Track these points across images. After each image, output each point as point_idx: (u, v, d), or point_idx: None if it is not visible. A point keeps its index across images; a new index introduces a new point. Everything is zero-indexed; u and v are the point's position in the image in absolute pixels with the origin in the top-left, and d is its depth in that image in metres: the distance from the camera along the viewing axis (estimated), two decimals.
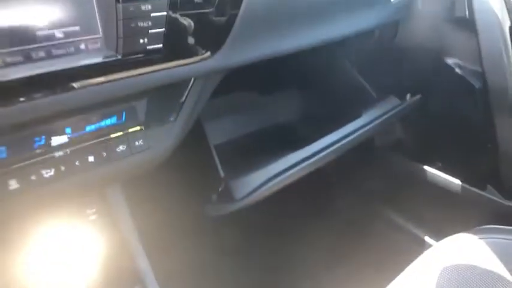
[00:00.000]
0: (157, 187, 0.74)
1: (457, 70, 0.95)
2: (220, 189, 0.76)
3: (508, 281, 0.68)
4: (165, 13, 0.50)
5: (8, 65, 0.44)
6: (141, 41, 0.50)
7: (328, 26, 0.73)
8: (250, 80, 0.87)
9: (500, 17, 0.83)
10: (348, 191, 1.19)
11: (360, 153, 1.04)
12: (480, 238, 0.80)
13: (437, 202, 1.04)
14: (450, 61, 0.96)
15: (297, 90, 1.10)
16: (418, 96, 1.00)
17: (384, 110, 0.97)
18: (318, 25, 0.70)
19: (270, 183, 0.75)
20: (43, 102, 0.46)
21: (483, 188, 0.99)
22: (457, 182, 1.01)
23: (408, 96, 1.01)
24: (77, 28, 0.48)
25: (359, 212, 1.19)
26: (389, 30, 0.97)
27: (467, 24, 0.89)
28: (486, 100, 0.90)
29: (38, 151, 0.50)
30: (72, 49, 0.48)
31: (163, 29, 0.51)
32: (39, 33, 0.45)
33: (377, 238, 1.15)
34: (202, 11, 0.54)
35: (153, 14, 0.49)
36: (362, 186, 1.20)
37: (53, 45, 0.46)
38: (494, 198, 0.97)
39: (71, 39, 0.47)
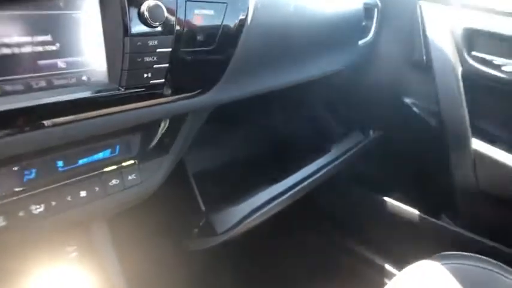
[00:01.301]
0: (137, 219, 0.71)
1: (415, 109, 1.03)
2: (201, 224, 0.75)
3: None
4: (170, 49, 0.50)
5: (6, 93, 0.41)
6: (145, 75, 0.50)
7: (311, 64, 0.77)
8: (226, 112, 0.89)
9: (454, 62, 0.93)
10: (310, 221, 1.22)
11: (322, 185, 1.09)
12: (442, 264, 0.85)
13: (398, 232, 1.10)
14: (408, 100, 1.05)
15: (271, 122, 1.13)
16: (380, 133, 1.08)
17: (350, 145, 1.03)
18: (304, 63, 0.74)
19: (251, 218, 0.76)
20: (37, 134, 0.44)
21: (439, 218, 1.07)
22: (415, 212, 1.08)
23: (371, 132, 1.08)
24: (80, 59, 0.47)
25: (321, 243, 1.22)
26: (355, 69, 1.04)
27: (424, 67, 0.98)
28: (442, 136, 0.99)
29: (27, 185, 0.47)
30: (74, 80, 0.46)
31: (167, 65, 0.51)
32: (42, 62, 0.44)
33: (340, 269, 1.18)
34: (203, 48, 0.55)
35: (158, 50, 0.50)
36: (323, 216, 1.24)
37: (54, 74, 0.45)
38: (450, 227, 1.05)
39: (73, 70, 0.46)
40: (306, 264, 1.16)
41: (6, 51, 0.41)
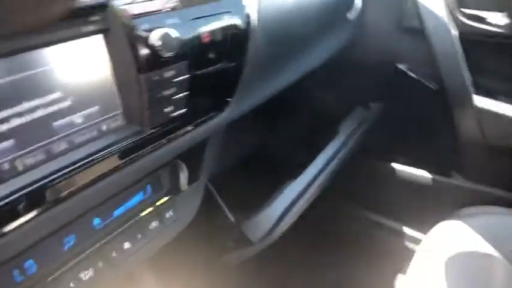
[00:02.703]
0: (174, 248, 0.69)
1: (411, 74, 1.02)
2: (235, 235, 0.73)
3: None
4: (187, 76, 0.47)
5: (29, 168, 0.37)
6: (166, 109, 0.46)
7: (315, 51, 0.74)
8: None
9: (447, 23, 0.92)
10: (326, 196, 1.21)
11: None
12: (468, 221, 0.87)
13: (413, 196, 1.12)
14: (403, 67, 1.04)
15: (276, 115, 1.10)
16: (380, 104, 1.07)
17: (356, 123, 1.02)
18: (309, 52, 0.71)
19: (284, 220, 0.74)
20: (71, 202, 0.40)
21: (449, 176, 1.09)
22: (427, 174, 1.09)
23: (372, 105, 1.07)
24: (95, 108, 0.42)
25: (339, 216, 1.22)
26: (347, 45, 1.01)
27: (418, 32, 0.96)
28: (442, 98, 0.99)
29: (69, 253, 0.44)
30: (94, 133, 0.43)
31: (186, 92, 0.47)
32: (57, 123, 0.39)
33: (361, 240, 1.19)
34: (217, 65, 0.51)
35: (175, 79, 0.46)
36: (336, 190, 1.23)
37: (73, 132, 0.41)
38: (462, 183, 1.06)
39: (91, 122, 0.42)
40: (326, 236, 1.15)
41: (18, 121, 0.36)
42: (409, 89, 1.04)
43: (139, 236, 0.49)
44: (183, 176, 0.53)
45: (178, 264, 0.71)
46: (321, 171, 0.84)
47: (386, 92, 1.07)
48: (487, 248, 0.80)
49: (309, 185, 0.81)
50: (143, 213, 0.50)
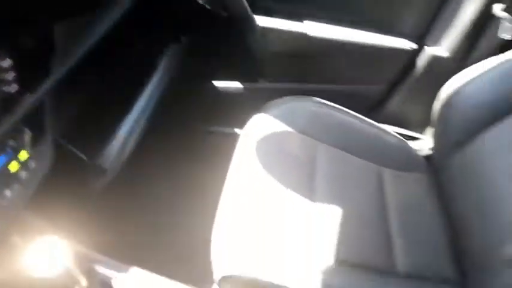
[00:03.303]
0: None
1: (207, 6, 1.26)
2: (91, 169, 0.94)
3: None
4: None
5: None
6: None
7: None
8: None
9: None
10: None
11: None
12: (268, 111, 1.16)
13: (229, 104, 1.43)
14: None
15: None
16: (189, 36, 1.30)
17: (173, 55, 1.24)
18: None
19: (127, 145, 0.97)
20: None
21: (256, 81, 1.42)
22: (237, 84, 1.41)
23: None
24: None
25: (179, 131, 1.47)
26: None
27: None
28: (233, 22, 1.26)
29: None
30: None
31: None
32: None
33: (198, 147, 1.47)
34: None
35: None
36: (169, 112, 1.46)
37: None
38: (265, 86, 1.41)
39: None
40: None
41: None
42: (209, 19, 1.29)
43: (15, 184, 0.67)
44: (28, 137, 0.71)
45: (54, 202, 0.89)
46: (149, 100, 1.07)
47: (194, 24, 1.30)
48: (284, 126, 1.07)
49: (143, 111, 1.04)
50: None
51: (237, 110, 1.34)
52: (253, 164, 0.96)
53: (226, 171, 0.97)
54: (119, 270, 0.78)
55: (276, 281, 0.77)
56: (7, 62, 0.61)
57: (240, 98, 1.42)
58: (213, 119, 1.47)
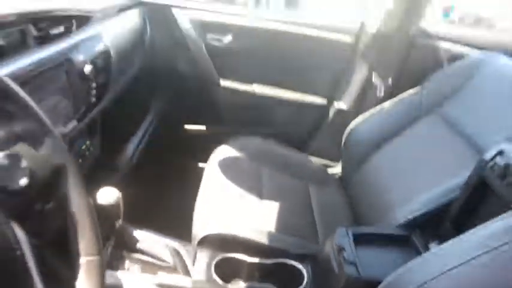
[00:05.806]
0: None
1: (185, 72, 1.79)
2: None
3: None
4: None
5: None
6: None
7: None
8: None
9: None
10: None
11: None
12: (231, 145, 1.65)
13: (197, 141, 1.92)
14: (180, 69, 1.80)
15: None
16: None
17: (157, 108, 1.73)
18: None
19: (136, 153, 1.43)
20: None
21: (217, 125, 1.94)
22: (202, 127, 1.92)
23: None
24: None
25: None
26: None
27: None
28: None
29: None
30: None
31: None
32: None
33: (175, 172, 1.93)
34: None
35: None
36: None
37: None
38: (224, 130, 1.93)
39: None
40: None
41: None
42: (184, 81, 1.81)
43: None
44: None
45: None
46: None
47: (175, 81, 1.83)
48: (239, 157, 1.50)
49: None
50: None
51: (203, 146, 1.66)
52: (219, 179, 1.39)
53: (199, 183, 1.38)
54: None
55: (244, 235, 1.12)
56: None
57: (205, 138, 1.92)
58: (186, 153, 1.93)
